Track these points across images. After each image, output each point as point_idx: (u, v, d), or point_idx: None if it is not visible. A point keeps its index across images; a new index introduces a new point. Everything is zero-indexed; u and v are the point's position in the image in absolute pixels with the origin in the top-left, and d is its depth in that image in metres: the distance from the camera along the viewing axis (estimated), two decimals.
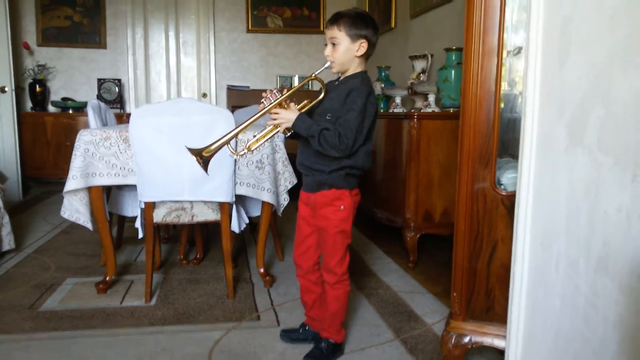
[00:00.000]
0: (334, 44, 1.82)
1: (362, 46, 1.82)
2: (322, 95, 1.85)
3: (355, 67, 1.86)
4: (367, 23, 1.82)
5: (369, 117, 1.82)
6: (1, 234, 3.19)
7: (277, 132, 1.84)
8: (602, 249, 1.08)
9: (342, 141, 1.74)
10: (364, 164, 1.88)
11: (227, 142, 1.78)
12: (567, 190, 1.19)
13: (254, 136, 1.84)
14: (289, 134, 1.85)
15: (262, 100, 1.81)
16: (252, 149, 1.84)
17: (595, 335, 1.12)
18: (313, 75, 1.85)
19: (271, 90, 1.81)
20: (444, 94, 3.13)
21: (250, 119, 1.77)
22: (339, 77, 1.92)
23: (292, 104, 1.81)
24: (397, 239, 3.36)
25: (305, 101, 1.86)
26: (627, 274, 1.00)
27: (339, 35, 1.80)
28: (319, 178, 1.88)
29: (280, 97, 1.79)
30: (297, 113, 1.78)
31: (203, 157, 1.76)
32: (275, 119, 1.79)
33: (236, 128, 1.78)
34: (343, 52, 1.81)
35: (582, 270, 1.15)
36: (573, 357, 1.21)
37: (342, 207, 1.88)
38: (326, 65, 1.85)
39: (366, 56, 1.86)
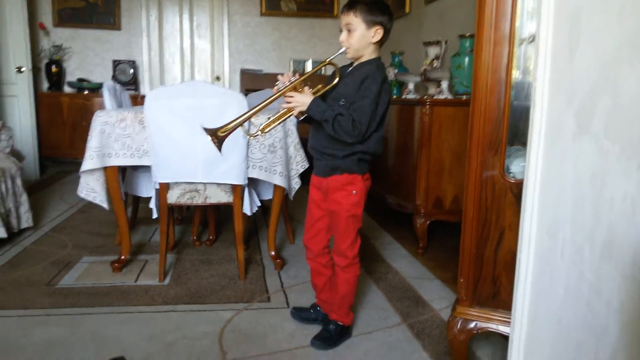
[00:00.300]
0: (349, 30, 1.83)
1: (377, 33, 1.83)
2: (336, 81, 1.86)
3: (369, 54, 1.87)
4: (383, 10, 1.83)
5: (383, 104, 1.83)
6: (20, 211, 3.26)
7: (291, 115, 1.86)
8: (606, 236, 1.09)
9: (356, 127, 1.76)
10: (375, 150, 1.90)
11: (243, 123, 1.81)
12: (573, 178, 1.20)
13: (268, 118, 1.87)
14: (302, 118, 1.88)
15: (277, 83, 1.83)
16: (265, 131, 1.87)
17: (598, 321, 1.14)
18: (328, 60, 1.86)
19: (287, 74, 1.83)
20: (457, 81, 3.12)
21: (265, 100, 1.79)
22: (352, 63, 1.93)
23: (306, 88, 1.83)
24: (407, 225, 3.38)
25: (320, 86, 1.88)
26: (630, 262, 1.02)
27: (355, 21, 1.81)
28: (331, 163, 1.90)
29: (296, 80, 1.81)
30: (312, 97, 1.80)
31: (218, 136, 1.78)
32: (290, 102, 1.81)
33: (253, 109, 1.81)
34: (358, 38, 1.82)
35: (586, 257, 1.17)
36: (576, 343, 1.23)
37: (354, 191, 1.90)
38: (341, 51, 1.86)
39: (381, 43, 1.87)
